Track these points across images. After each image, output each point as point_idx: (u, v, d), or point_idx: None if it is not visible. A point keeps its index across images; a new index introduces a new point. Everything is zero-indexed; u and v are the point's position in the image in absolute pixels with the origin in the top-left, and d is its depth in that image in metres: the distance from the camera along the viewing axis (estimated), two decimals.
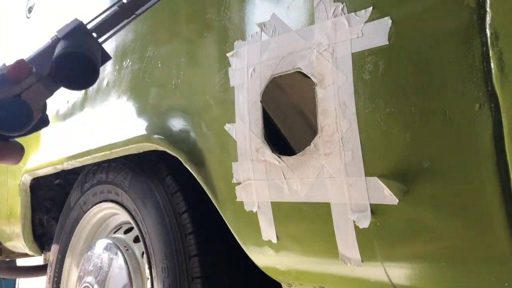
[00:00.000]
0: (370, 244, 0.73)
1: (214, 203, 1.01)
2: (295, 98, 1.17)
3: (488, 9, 0.58)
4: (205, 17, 1.01)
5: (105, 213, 1.57)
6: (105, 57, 0.70)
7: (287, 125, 1.09)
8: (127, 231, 1.50)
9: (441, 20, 0.63)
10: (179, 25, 1.10)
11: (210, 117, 0.98)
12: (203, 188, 1.03)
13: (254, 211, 0.90)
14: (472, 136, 0.60)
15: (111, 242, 1.45)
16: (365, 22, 0.70)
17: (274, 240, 0.88)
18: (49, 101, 0.66)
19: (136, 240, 1.43)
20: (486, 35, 0.58)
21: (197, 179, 1.03)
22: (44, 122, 0.66)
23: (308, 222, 0.82)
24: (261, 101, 0.86)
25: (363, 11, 0.70)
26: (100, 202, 1.51)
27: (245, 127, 0.89)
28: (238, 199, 0.93)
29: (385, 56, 0.68)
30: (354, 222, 0.74)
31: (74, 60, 0.63)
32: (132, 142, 1.19)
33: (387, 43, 0.67)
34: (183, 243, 1.14)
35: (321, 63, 0.76)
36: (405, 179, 0.67)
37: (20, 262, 2.78)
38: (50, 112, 1.56)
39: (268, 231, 0.89)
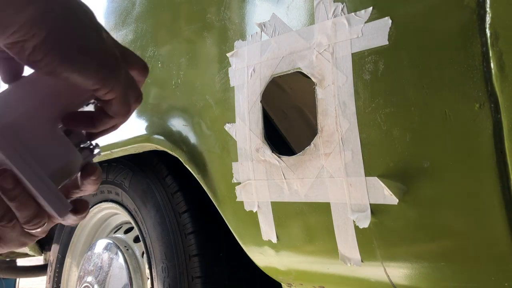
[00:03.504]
0: (370, 244, 0.73)
1: (214, 203, 1.01)
2: (295, 98, 1.17)
3: (488, 9, 0.58)
4: (205, 17, 1.00)
5: (105, 213, 1.57)
6: None
7: (287, 125, 1.09)
8: (127, 231, 1.50)
9: (441, 20, 0.63)
10: (179, 25, 1.10)
11: (210, 117, 0.98)
12: (203, 188, 1.03)
13: (254, 211, 0.90)
14: (472, 136, 0.60)
15: (111, 242, 1.45)
16: (365, 22, 0.70)
17: (274, 240, 0.88)
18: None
19: (136, 240, 1.43)
20: (486, 35, 0.58)
21: (197, 179, 1.03)
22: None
23: (308, 222, 0.82)
24: (261, 101, 0.86)
25: (363, 11, 0.70)
26: (100, 202, 1.51)
27: (245, 127, 0.89)
28: (238, 199, 0.93)
29: (385, 56, 0.68)
30: (354, 222, 0.74)
31: None
32: (132, 142, 1.19)
33: (387, 43, 0.67)
34: (183, 243, 1.14)
35: (321, 63, 0.76)
36: (405, 179, 0.67)
37: (20, 262, 2.78)
38: None
39: (268, 231, 0.89)
